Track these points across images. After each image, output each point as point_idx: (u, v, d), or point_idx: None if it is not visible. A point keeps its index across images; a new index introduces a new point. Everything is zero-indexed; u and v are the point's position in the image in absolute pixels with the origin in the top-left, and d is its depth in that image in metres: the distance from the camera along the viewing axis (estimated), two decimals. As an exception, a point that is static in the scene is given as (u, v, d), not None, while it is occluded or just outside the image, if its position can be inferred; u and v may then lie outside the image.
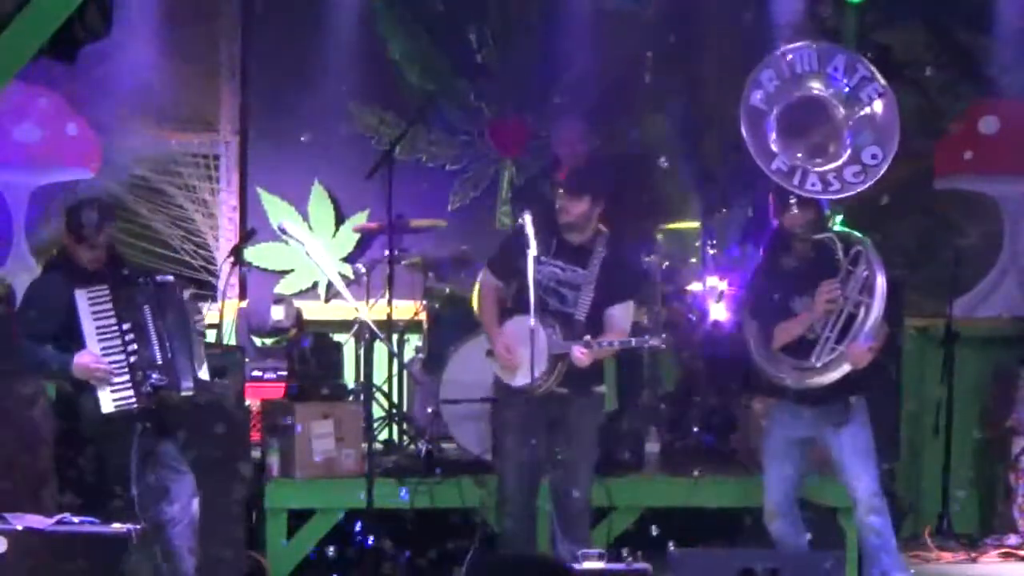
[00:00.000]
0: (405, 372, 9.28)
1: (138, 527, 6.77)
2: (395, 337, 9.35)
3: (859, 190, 7.66)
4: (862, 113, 7.68)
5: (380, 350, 9.12)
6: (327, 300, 10.16)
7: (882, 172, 7.66)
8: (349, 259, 10.18)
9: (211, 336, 8.71)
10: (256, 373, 9.23)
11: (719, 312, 9.29)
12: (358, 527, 8.41)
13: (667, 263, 9.46)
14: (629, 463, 8.84)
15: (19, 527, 6.70)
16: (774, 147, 7.64)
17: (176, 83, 10.04)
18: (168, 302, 7.57)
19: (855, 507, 7.65)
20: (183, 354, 7.54)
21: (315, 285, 10.24)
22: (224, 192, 10.21)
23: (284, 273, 10.26)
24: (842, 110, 7.64)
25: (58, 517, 6.86)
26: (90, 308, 7.41)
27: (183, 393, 7.52)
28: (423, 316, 9.44)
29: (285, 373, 9.23)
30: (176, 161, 10.12)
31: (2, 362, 8.65)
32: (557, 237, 7.77)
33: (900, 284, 8.32)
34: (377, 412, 9.08)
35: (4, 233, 9.87)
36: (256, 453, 8.66)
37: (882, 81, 7.67)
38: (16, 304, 8.99)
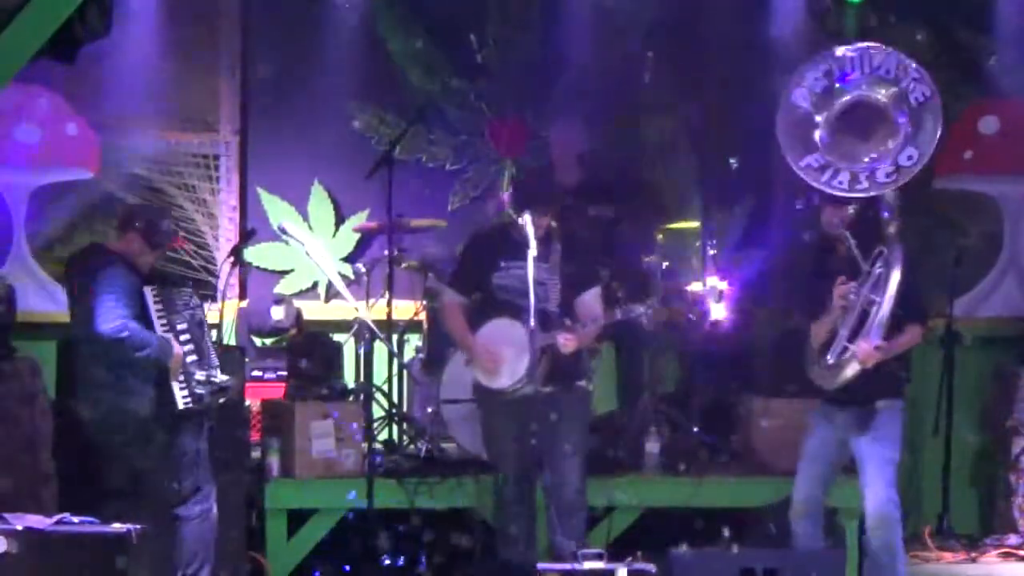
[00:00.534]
0: (405, 372, 9.28)
1: (138, 527, 6.78)
2: (395, 337, 9.36)
3: (887, 190, 7.58)
4: (911, 115, 7.61)
5: (380, 350, 9.13)
6: (327, 300, 10.16)
7: (914, 174, 7.59)
8: (349, 259, 10.18)
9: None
10: (256, 373, 9.24)
11: (719, 312, 9.29)
12: (357, 528, 8.43)
13: (667, 263, 9.46)
14: (629, 463, 8.85)
15: (19, 527, 6.71)
16: (818, 142, 7.58)
17: (176, 83, 10.04)
18: (197, 306, 7.77)
19: (864, 515, 7.64)
20: (215, 355, 7.76)
21: (315, 285, 10.24)
22: (224, 192, 10.20)
23: (284, 273, 10.25)
24: (897, 112, 7.56)
25: (58, 517, 6.88)
26: (154, 306, 7.56)
27: (227, 394, 7.76)
28: (423, 316, 9.44)
29: (285, 373, 9.24)
30: (176, 161, 10.12)
31: (2, 361, 8.69)
32: (511, 240, 7.91)
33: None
34: (377, 412, 9.09)
35: (4, 233, 9.87)
36: (256, 453, 8.67)
37: (931, 84, 7.59)
38: (16, 304, 9.02)
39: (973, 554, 9.12)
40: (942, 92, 7.69)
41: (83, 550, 6.73)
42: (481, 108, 10.45)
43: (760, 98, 9.86)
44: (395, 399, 9.25)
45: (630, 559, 7.07)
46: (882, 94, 7.63)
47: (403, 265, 9.40)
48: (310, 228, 10.18)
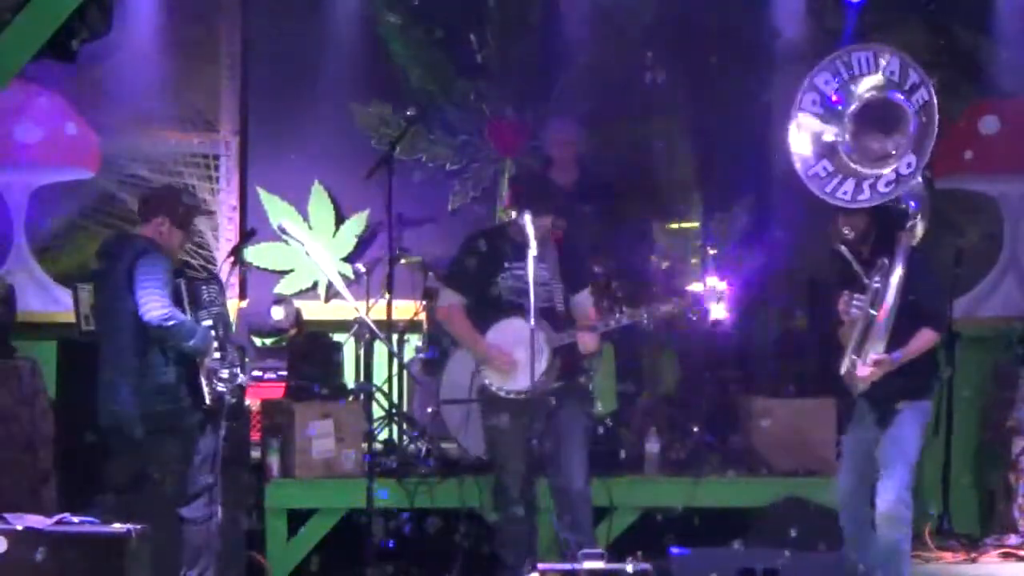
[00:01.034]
0: (405, 372, 9.28)
1: (138, 527, 6.77)
2: (395, 337, 9.36)
3: (886, 200, 7.55)
4: (915, 120, 7.56)
5: (380, 350, 9.12)
6: (327, 300, 10.16)
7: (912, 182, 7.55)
8: (349, 259, 10.18)
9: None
10: (256, 373, 9.24)
11: (719, 312, 9.28)
12: (357, 527, 8.43)
13: (667, 263, 9.46)
14: (629, 463, 8.85)
15: (19, 527, 6.70)
16: (835, 146, 7.53)
17: (176, 83, 10.05)
18: (223, 303, 7.63)
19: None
20: (235, 354, 7.63)
21: (315, 285, 10.24)
22: (224, 192, 10.20)
23: (284, 273, 10.25)
24: (912, 117, 7.52)
25: (58, 517, 6.87)
26: (186, 298, 7.42)
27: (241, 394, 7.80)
28: (423, 316, 9.44)
29: (285, 373, 9.24)
30: (176, 161, 10.12)
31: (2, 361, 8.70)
32: (512, 243, 7.94)
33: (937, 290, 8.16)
34: (377, 412, 9.09)
35: (4, 233, 9.87)
36: (256, 453, 8.67)
37: (931, 89, 7.54)
38: (16, 304, 9.02)
39: (973, 554, 9.11)
40: (942, 92, 7.66)
41: (83, 550, 6.72)
42: (481, 108, 10.45)
43: (760, 97, 9.89)
44: (395, 399, 9.25)
45: (630, 559, 7.07)
46: (900, 99, 7.60)
47: (403, 261, 9.39)
48: (310, 228, 10.18)
